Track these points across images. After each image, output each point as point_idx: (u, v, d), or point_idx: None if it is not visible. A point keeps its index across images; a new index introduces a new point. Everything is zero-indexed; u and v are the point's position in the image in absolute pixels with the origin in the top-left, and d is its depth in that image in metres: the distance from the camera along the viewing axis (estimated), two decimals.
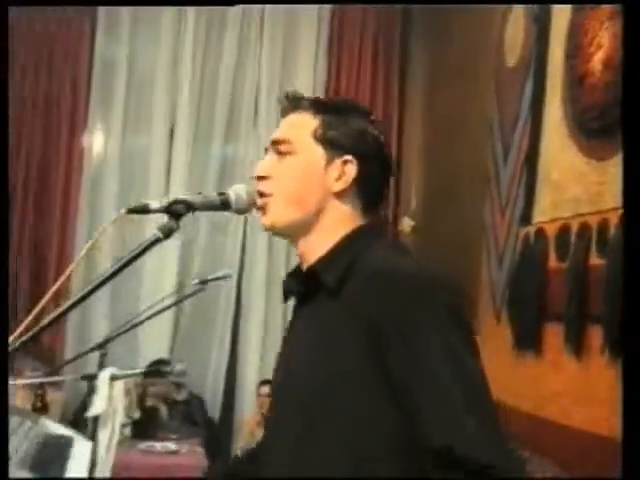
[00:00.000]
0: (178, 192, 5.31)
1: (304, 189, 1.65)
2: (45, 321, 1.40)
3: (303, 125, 1.67)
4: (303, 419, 1.56)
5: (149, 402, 5.54)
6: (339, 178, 1.64)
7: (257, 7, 6.12)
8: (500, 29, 4.24)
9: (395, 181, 5.93)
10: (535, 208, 3.69)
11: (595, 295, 2.97)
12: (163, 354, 5.74)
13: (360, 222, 1.67)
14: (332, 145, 1.65)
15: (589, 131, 3.21)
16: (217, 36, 6.12)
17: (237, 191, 1.67)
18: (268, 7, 6.11)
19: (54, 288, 1.44)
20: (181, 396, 5.72)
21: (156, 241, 1.56)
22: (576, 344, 3.11)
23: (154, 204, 1.58)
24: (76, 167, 5.84)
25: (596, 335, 2.94)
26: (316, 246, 1.66)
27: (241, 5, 6.05)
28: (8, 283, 4.75)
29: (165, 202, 1.59)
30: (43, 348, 5.52)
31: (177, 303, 4.11)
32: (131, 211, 1.58)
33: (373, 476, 1.48)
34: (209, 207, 1.67)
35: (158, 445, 4.70)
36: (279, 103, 1.76)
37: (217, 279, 3.85)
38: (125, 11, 6.02)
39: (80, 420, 3.51)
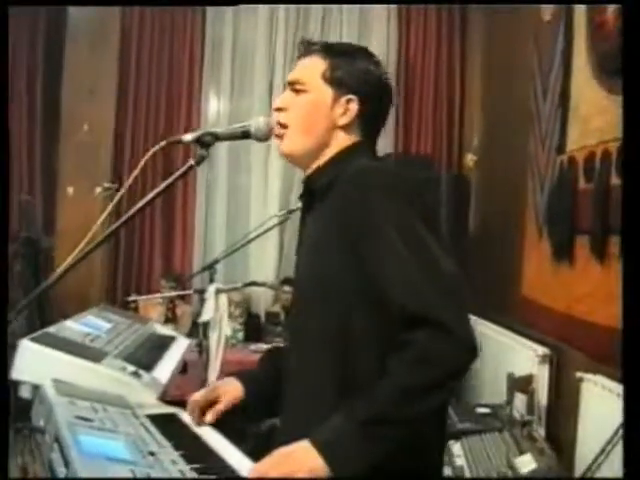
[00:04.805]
0: None
1: (314, 121, 1.69)
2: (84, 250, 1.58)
3: (314, 67, 1.71)
4: (302, 296, 1.71)
5: (274, 308, 5.72)
6: (344, 114, 1.69)
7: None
8: None
9: (459, 122, 6.01)
10: (568, 139, 3.70)
11: (615, 210, 2.97)
12: (270, 274, 5.88)
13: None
14: (338, 85, 1.69)
15: (608, 71, 3.20)
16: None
17: (257, 122, 1.73)
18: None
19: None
20: None
21: (189, 168, 1.65)
22: (600, 252, 3.14)
23: (187, 137, 1.67)
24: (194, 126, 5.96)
25: (616, 244, 2.96)
26: None
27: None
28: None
29: (196, 134, 1.68)
30: (176, 271, 5.77)
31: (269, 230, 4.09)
32: (170, 142, 1.69)
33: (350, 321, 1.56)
34: (232, 137, 1.74)
35: (264, 346, 4.88)
36: (297, 50, 1.81)
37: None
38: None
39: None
